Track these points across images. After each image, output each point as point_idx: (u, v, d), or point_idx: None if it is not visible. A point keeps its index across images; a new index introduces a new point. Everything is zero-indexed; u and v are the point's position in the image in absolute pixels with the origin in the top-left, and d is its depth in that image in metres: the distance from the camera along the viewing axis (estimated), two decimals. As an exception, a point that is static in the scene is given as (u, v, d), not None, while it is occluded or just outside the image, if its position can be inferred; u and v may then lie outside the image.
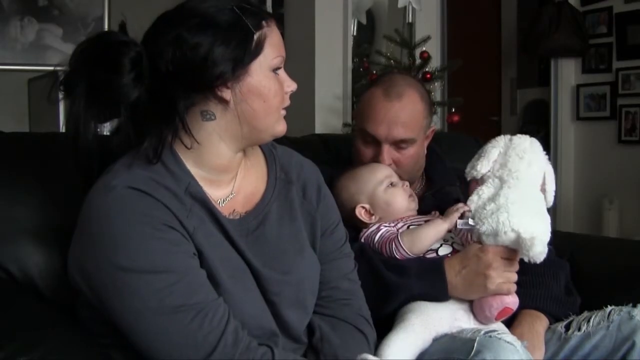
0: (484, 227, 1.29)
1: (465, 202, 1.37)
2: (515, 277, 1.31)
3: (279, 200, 1.20)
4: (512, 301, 1.30)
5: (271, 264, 1.13)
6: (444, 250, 1.37)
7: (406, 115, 1.53)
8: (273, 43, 1.09)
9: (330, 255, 1.25)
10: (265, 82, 1.09)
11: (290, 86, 1.15)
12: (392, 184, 1.47)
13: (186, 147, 1.08)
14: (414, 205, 1.48)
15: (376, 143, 1.55)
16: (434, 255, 1.37)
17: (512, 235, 1.27)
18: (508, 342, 1.12)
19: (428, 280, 1.30)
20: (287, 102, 1.15)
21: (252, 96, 1.08)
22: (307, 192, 1.24)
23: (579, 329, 1.39)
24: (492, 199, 1.31)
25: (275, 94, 1.11)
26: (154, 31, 1.07)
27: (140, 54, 1.03)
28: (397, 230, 1.41)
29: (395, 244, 1.36)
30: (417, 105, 1.56)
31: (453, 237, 1.41)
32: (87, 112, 1.04)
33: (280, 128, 1.15)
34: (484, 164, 1.37)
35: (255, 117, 1.10)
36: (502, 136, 1.41)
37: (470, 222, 1.31)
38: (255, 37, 1.07)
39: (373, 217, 1.45)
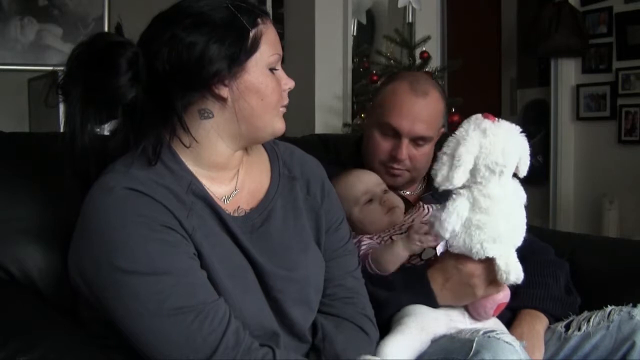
0: (457, 251, 1.26)
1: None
2: None
3: (283, 196, 1.20)
4: (504, 295, 1.30)
5: (275, 261, 1.13)
6: (428, 254, 1.35)
7: (429, 112, 1.56)
8: (269, 40, 1.10)
9: (335, 252, 1.25)
10: (262, 79, 1.09)
11: (288, 83, 1.15)
12: (370, 201, 1.45)
13: (185, 145, 1.08)
14: (395, 217, 1.46)
15: (396, 137, 1.55)
16: (417, 260, 1.35)
17: (485, 258, 1.24)
18: (507, 342, 1.12)
19: (415, 291, 1.29)
20: (286, 100, 1.15)
21: (249, 93, 1.08)
22: (311, 188, 1.24)
23: (579, 329, 1.39)
24: (465, 219, 1.22)
25: (272, 91, 1.11)
26: (150, 31, 1.07)
27: (137, 54, 1.03)
28: (377, 243, 1.40)
29: (368, 263, 1.34)
30: (439, 105, 1.60)
31: None
32: (84, 115, 1.04)
33: (279, 126, 1.14)
34: (460, 176, 1.19)
35: (253, 115, 1.10)
36: (473, 133, 1.22)
37: (440, 248, 1.29)
38: (251, 34, 1.07)
39: (352, 232, 1.42)
